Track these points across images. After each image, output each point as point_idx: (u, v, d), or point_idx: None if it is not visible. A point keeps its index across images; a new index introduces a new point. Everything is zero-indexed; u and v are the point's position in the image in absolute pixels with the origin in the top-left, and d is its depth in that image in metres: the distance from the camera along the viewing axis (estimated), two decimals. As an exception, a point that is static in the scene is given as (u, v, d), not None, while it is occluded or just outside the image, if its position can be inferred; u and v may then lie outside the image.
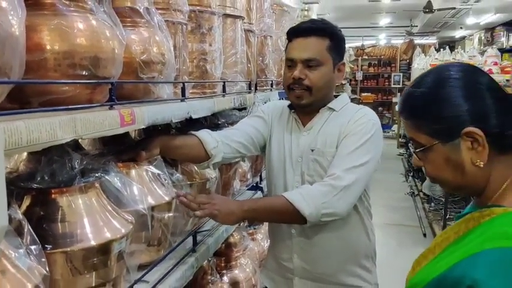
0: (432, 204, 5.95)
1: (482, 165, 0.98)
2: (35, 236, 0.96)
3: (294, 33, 1.68)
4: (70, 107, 1.02)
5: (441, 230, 4.98)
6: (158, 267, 1.46)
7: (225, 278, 2.24)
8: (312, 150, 1.67)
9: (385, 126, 13.90)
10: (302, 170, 1.68)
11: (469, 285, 0.86)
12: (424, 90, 1.04)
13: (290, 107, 1.79)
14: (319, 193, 1.51)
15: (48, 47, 1.02)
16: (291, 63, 1.67)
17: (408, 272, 1.17)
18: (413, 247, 5.02)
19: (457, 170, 1.02)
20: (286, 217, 1.54)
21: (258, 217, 1.74)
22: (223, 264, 2.30)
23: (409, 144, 1.30)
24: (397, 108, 8.76)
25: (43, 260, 0.94)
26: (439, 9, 8.80)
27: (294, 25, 1.78)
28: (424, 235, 5.39)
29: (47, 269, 0.94)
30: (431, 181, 1.13)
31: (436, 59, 6.82)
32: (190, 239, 1.67)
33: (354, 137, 1.60)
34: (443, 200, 5.24)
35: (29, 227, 0.96)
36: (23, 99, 1.00)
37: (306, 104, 1.67)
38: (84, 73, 1.07)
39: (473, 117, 0.98)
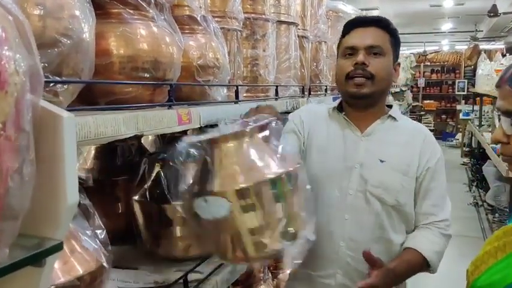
0: (496, 215, 5.70)
1: None
2: (100, 221, 1.06)
3: (352, 24, 1.60)
4: (132, 105, 1.12)
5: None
6: (212, 259, 1.53)
7: (277, 278, 2.29)
8: (382, 161, 1.54)
9: (449, 135, 13.46)
10: (364, 178, 1.53)
11: None
12: None
13: (339, 109, 1.64)
14: (444, 247, 1.57)
15: (114, 52, 1.13)
16: (351, 51, 1.53)
17: (468, 271, 1.15)
18: (476, 258, 4.84)
19: None
20: (416, 272, 1.55)
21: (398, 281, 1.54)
22: (276, 264, 2.35)
23: (500, 117, 1.22)
24: (461, 115, 8.41)
25: (107, 243, 1.04)
26: (504, 13, 8.44)
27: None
28: (488, 247, 5.18)
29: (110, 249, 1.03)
30: (506, 160, 1.09)
31: (502, 64, 6.55)
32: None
33: (441, 169, 1.60)
34: (508, 210, 5.01)
35: (96, 213, 1.07)
36: (91, 99, 1.12)
37: (366, 93, 1.52)
38: (145, 75, 1.17)
39: None
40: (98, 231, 1.05)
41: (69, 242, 0.96)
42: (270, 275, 2.19)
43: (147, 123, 1.11)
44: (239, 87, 1.71)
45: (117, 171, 1.71)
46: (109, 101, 1.14)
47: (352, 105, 1.60)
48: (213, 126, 2.27)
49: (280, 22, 2.17)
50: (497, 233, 1.11)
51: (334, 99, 2.93)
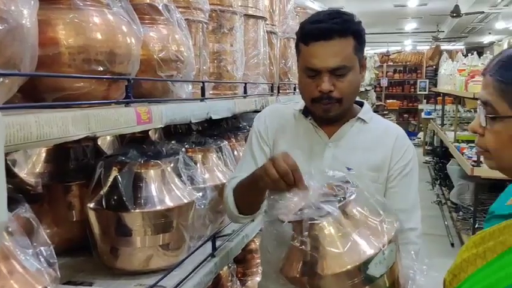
0: (460, 213, 5.77)
1: None
2: (45, 236, 0.92)
3: (310, 36, 1.37)
4: (84, 102, 0.98)
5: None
6: (176, 272, 1.41)
7: (246, 285, 2.18)
8: (349, 169, 1.43)
9: (411, 134, 13.67)
10: None
11: None
12: None
13: (305, 113, 1.53)
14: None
15: (62, 41, 1.00)
16: (313, 73, 1.38)
17: (445, 280, 1.08)
18: (441, 257, 4.85)
19: None
20: None
21: None
22: (243, 271, 2.24)
23: (479, 107, 1.18)
24: (423, 115, 8.55)
25: (53, 261, 0.90)
26: (466, 14, 8.62)
27: (305, 20, 1.45)
28: (452, 245, 5.23)
29: (58, 271, 0.90)
30: (480, 152, 1.04)
31: (464, 64, 6.65)
32: (209, 244, 1.62)
33: (412, 172, 1.49)
34: (472, 208, 5.07)
35: (41, 227, 0.93)
36: (36, 95, 0.98)
37: (334, 116, 1.45)
38: (99, 69, 1.04)
39: None
40: (43, 248, 0.91)
41: (6, 263, 0.82)
42: (238, 282, 2.08)
43: (101, 122, 0.98)
44: (205, 83, 1.58)
45: (71, 176, 1.56)
46: (57, 98, 1.00)
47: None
48: (177, 125, 2.16)
49: (248, 16, 2.06)
50: (474, 238, 1.05)
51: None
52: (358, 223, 1.08)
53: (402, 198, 1.47)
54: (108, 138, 1.95)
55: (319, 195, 1.08)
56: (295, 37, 1.86)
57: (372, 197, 1.42)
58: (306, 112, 1.52)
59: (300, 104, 1.55)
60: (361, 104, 1.57)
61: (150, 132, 1.91)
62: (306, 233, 1.05)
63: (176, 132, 2.17)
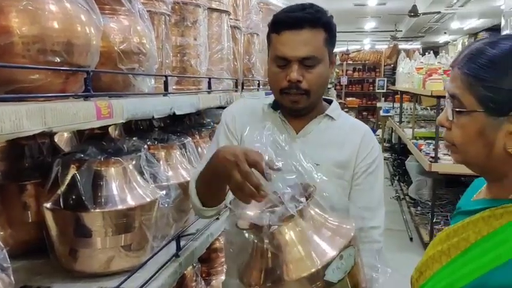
0: (419, 208, 5.91)
1: None
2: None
3: (282, 25, 1.38)
4: (39, 95, 0.92)
5: (428, 234, 4.95)
6: (139, 273, 1.35)
7: (211, 285, 2.14)
8: (317, 165, 1.40)
9: (370, 130, 13.97)
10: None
11: None
12: (497, 53, 0.92)
13: (274, 107, 1.53)
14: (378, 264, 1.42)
15: (16, 30, 0.93)
16: (283, 62, 1.38)
17: (412, 277, 1.09)
18: (400, 251, 4.97)
19: (485, 148, 0.94)
20: None
21: None
22: (208, 270, 2.20)
23: (446, 99, 1.19)
24: (382, 112, 8.68)
25: (6, 265, 0.84)
26: (424, 13, 8.84)
27: (278, 12, 1.46)
28: (411, 239, 5.35)
29: (11, 276, 0.83)
30: (447, 146, 1.03)
31: (422, 62, 6.81)
32: (173, 244, 1.57)
33: (377, 171, 1.50)
34: (430, 203, 5.20)
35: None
36: (-14, 87, 0.90)
37: (302, 108, 1.45)
38: (56, 60, 0.98)
39: None
40: (-5, 252, 0.84)
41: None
42: (203, 282, 2.03)
43: (58, 117, 0.92)
44: (168, 78, 1.53)
45: (25, 174, 1.47)
46: (10, 91, 0.93)
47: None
48: (138, 121, 2.09)
49: (212, 9, 2.02)
50: (440, 235, 1.06)
51: (267, 94, 2.83)
52: (317, 226, 1.06)
53: (367, 196, 1.47)
54: (66, 134, 1.86)
55: (277, 199, 1.05)
56: (258, 33, 1.82)
57: (331, 199, 1.42)
58: (275, 106, 1.51)
59: (270, 98, 1.53)
60: (329, 102, 1.56)
61: (109, 129, 1.84)
62: (267, 240, 1.02)
63: (137, 129, 2.10)
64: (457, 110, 0.96)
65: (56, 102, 0.93)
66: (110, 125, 1.74)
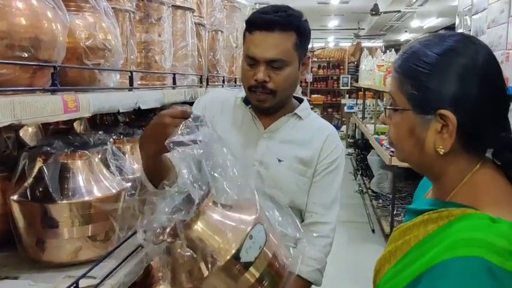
0: (380, 200, 6.11)
1: (442, 153, 0.91)
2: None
3: (254, 25, 1.43)
4: (8, 89, 0.96)
5: (389, 226, 5.13)
6: (105, 263, 1.39)
7: (176, 275, 2.19)
8: (280, 161, 1.52)
9: (335, 127, 14.15)
10: (261, 177, 1.50)
11: None
12: (427, 52, 0.92)
13: (246, 101, 1.58)
14: (325, 259, 1.53)
15: (-17, 26, 0.96)
16: (252, 61, 1.44)
17: (374, 268, 1.11)
18: (363, 243, 5.15)
19: (416, 146, 0.95)
20: None
21: None
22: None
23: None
24: (346, 109, 8.87)
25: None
26: (385, 12, 9.08)
27: (255, 11, 1.53)
28: (373, 231, 5.53)
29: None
30: (390, 143, 1.05)
31: (383, 60, 7.02)
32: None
33: (337, 170, 1.56)
34: (390, 196, 5.38)
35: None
36: (-46, 81, 0.94)
37: (268, 107, 1.50)
38: (24, 55, 1.01)
39: (455, 101, 0.89)
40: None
41: None
42: (169, 273, 2.08)
43: (27, 110, 0.96)
44: (133, 73, 1.57)
45: (-9, 168, 1.48)
46: (-22, 85, 0.96)
47: None
48: (103, 116, 2.11)
49: (176, 7, 2.06)
50: (394, 233, 1.06)
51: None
52: (223, 214, 1.10)
53: (323, 193, 1.54)
54: (30, 129, 1.87)
55: (180, 195, 1.11)
56: (222, 30, 1.85)
57: (291, 194, 1.50)
58: (246, 101, 1.57)
59: (243, 92, 1.58)
60: (300, 101, 1.62)
61: (74, 124, 1.86)
62: (180, 242, 1.05)
63: (102, 124, 2.13)
64: (389, 108, 0.99)
65: (24, 96, 0.97)
66: (75, 120, 1.77)
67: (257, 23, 1.43)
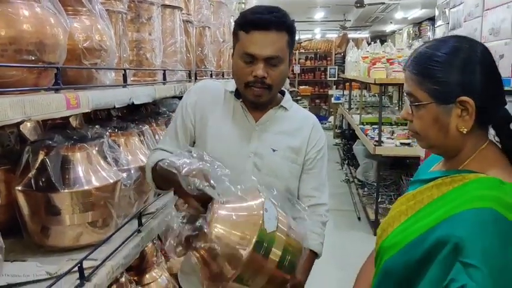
0: (366, 189, 6.26)
1: (465, 132, 1.11)
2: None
3: (252, 25, 1.51)
4: (18, 89, 1.07)
5: (374, 213, 5.29)
6: (105, 246, 1.51)
7: (170, 261, 2.31)
8: (274, 150, 1.63)
9: (323, 118, 14.34)
10: (258, 167, 1.61)
11: (456, 242, 0.99)
12: (437, 53, 1.12)
13: (236, 95, 1.65)
14: (324, 234, 1.71)
15: (-6, 34, 1.06)
16: (250, 58, 1.51)
17: (377, 234, 1.31)
18: (349, 230, 5.30)
19: (441, 131, 1.14)
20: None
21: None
22: (167, 248, 2.37)
23: (405, 97, 1.39)
24: (333, 100, 8.97)
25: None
26: (369, 4, 9.21)
27: (246, 11, 1.60)
28: (359, 218, 5.68)
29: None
30: (413, 135, 1.23)
31: (367, 51, 7.15)
32: (135, 222, 1.74)
33: (324, 157, 1.72)
34: (375, 184, 5.54)
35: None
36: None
37: (264, 101, 1.60)
38: (30, 58, 1.12)
39: (470, 88, 1.09)
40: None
41: None
42: (163, 258, 2.21)
43: (35, 107, 1.07)
44: (127, 70, 1.69)
45: (-4, 162, 1.59)
46: (-10, 86, 1.07)
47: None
48: (97, 112, 2.22)
49: (165, 6, 2.17)
50: (401, 199, 1.28)
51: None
52: (233, 208, 1.22)
53: (316, 179, 1.71)
54: (29, 125, 1.98)
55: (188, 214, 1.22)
56: (209, 26, 1.93)
57: (286, 181, 1.64)
58: (237, 95, 1.65)
59: (231, 85, 1.67)
60: (282, 93, 1.74)
61: (70, 119, 1.97)
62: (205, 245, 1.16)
63: (96, 119, 2.23)
64: (415, 104, 1.17)
65: (32, 95, 1.08)
66: (72, 115, 1.88)
67: (255, 23, 1.50)
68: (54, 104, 1.15)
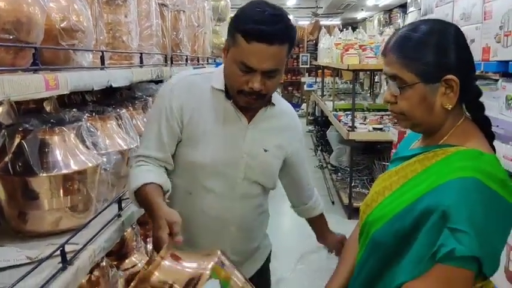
0: (339, 174, 6.36)
1: (450, 108, 1.18)
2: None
3: (255, 36, 1.40)
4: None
5: (347, 197, 5.37)
6: (84, 231, 1.48)
7: (149, 246, 2.30)
8: (266, 151, 1.62)
9: (296, 105, 14.41)
10: (251, 167, 1.61)
11: (443, 210, 1.06)
12: (420, 36, 1.18)
13: (227, 95, 1.58)
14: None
15: (-31, 11, 1.03)
16: (248, 69, 1.44)
17: (361, 210, 1.36)
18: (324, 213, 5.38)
19: (427, 109, 1.20)
20: None
21: None
22: (145, 233, 2.36)
23: (388, 81, 1.39)
24: (305, 87, 9.02)
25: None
26: (341, -9, 9.23)
27: (248, 11, 1.46)
28: (333, 202, 5.77)
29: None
30: (396, 117, 1.27)
31: (340, 38, 7.19)
32: (115, 207, 1.72)
33: (303, 146, 1.83)
34: (348, 169, 5.62)
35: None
36: None
37: (257, 107, 1.59)
38: (7, 37, 1.09)
39: (454, 67, 1.16)
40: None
41: None
42: (142, 243, 2.20)
43: (14, 87, 1.05)
44: (104, 53, 1.66)
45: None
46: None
47: None
48: (71, 97, 2.17)
49: (140, -12, 2.13)
50: (383, 176, 1.36)
51: (195, 68, 2.98)
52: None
53: (305, 169, 1.84)
54: (1, 109, 1.92)
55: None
56: (184, 10, 1.91)
57: (273, 177, 1.72)
58: (227, 94, 1.57)
59: (217, 81, 1.59)
60: None
61: (44, 104, 1.93)
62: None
63: (71, 103, 2.18)
64: (401, 86, 1.21)
65: (11, 75, 1.06)
66: (45, 99, 1.84)
67: (257, 35, 1.40)
68: (33, 85, 1.12)
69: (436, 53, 1.16)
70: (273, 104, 1.65)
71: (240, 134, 1.60)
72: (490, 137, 1.26)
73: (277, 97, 1.70)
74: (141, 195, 1.46)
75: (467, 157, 1.14)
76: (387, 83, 1.27)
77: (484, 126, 1.26)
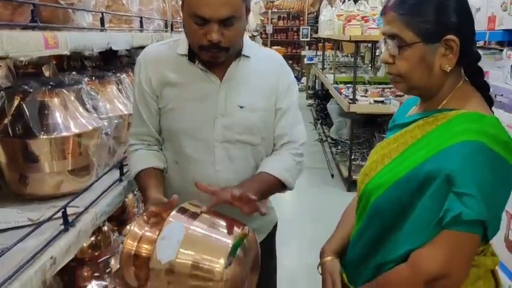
0: (339, 147, 6.35)
1: (449, 70, 1.15)
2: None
3: None
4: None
5: (347, 170, 5.38)
6: (85, 194, 1.47)
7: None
8: (241, 107, 1.53)
9: (296, 79, 14.33)
10: (228, 128, 1.53)
11: (447, 174, 1.04)
12: None
13: (191, 58, 1.52)
14: (294, 164, 1.58)
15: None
16: (202, 20, 1.36)
17: (358, 181, 1.32)
18: (323, 186, 5.40)
19: (426, 71, 1.17)
20: (274, 191, 1.58)
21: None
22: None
23: (387, 41, 1.34)
24: (306, 60, 8.94)
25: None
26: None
27: None
28: (332, 176, 5.78)
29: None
30: (393, 79, 1.23)
31: (342, 9, 7.09)
32: (116, 171, 1.71)
33: (293, 93, 1.63)
34: (348, 142, 5.61)
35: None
36: None
37: (221, 61, 1.48)
38: (5, -8, 1.06)
39: (455, 27, 1.13)
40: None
41: None
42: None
43: (13, 44, 1.02)
44: (104, 14, 1.62)
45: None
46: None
47: None
48: (70, 63, 2.14)
49: (140, -51, 2.07)
50: (381, 144, 1.32)
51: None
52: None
53: (286, 116, 1.61)
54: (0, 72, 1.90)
55: None
56: None
57: (259, 131, 1.58)
58: (191, 56, 1.51)
59: (182, 47, 1.54)
60: None
61: (43, 68, 1.90)
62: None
63: (70, 69, 2.15)
64: (401, 45, 1.17)
65: (11, 31, 1.03)
66: (43, 64, 1.81)
67: None
68: (32, 42, 1.10)
69: (437, 11, 1.13)
70: (247, 56, 1.56)
71: (213, 95, 1.52)
72: (489, 102, 1.23)
73: (254, 47, 1.62)
74: (138, 184, 1.57)
75: (469, 120, 1.12)
76: (385, 43, 1.22)
77: (483, 91, 1.23)
